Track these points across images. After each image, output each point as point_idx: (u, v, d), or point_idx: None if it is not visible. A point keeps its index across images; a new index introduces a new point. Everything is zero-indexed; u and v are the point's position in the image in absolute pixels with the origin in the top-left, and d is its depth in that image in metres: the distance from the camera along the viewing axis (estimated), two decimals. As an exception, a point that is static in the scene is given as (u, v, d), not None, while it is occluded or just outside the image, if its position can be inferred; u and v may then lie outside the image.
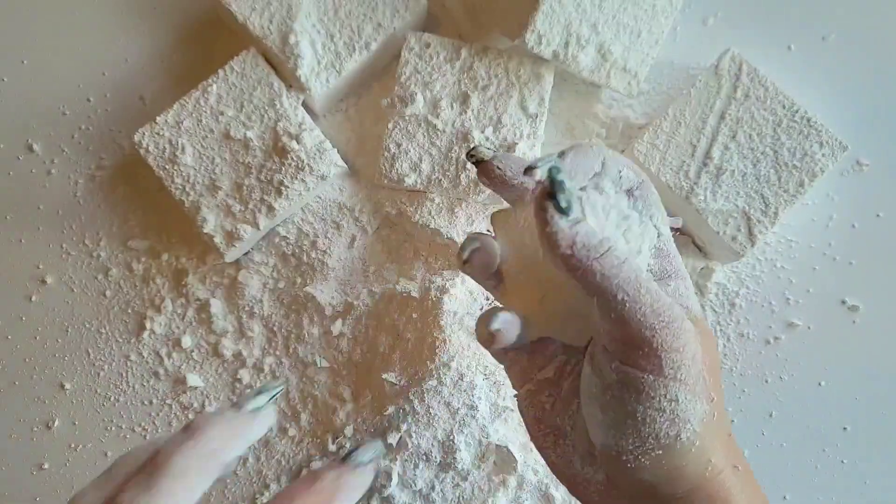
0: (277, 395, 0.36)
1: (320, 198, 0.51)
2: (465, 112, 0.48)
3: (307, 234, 0.51)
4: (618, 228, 0.32)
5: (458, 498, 0.48)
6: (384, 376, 0.48)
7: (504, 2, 0.49)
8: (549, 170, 0.28)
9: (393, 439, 0.48)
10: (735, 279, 0.52)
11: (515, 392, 0.35)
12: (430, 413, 0.47)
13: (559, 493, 0.48)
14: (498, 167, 0.34)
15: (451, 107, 0.48)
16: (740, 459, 0.33)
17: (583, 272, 0.28)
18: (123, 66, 0.55)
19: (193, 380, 0.50)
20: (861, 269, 0.52)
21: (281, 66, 0.50)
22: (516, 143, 0.47)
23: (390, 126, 0.48)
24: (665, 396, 0.29)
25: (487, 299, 0.49)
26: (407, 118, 0.48)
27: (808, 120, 0.48)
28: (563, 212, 0.28)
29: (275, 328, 0.51)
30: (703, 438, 0.30)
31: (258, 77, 0.49)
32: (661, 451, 0.30)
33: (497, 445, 0.48)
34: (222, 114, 0.49)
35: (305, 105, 0.50)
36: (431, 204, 0.49)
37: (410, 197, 0.50)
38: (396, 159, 0.48)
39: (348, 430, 0.50)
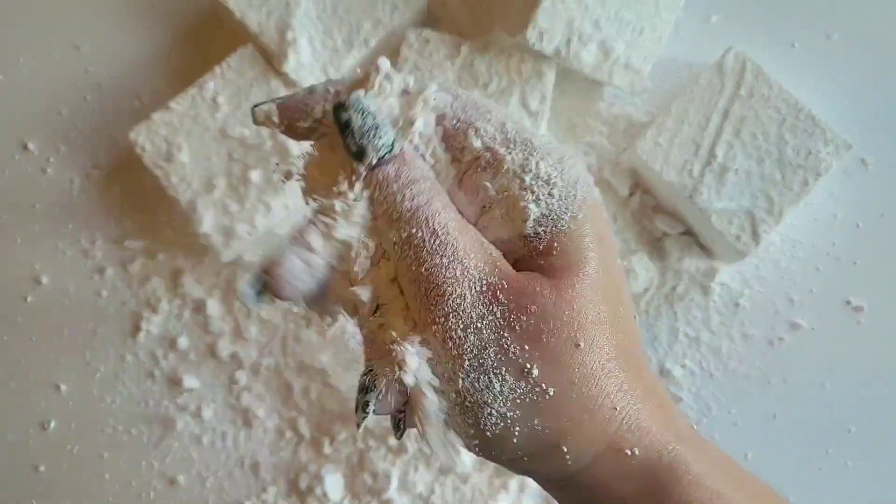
0: None
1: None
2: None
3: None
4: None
5: (459, 501, 0.48)
6: None
7: (505, -2, 0.49)
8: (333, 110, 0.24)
9: (392, 442, 0.47)
10: (739, 279, 0.51)
11: None
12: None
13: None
14: (284, 104, 0.26)
15: (451, 105, 0.48)
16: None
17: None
18: (120, 64, 0.55)
19: (189, 381, 0.50)
20: (865, 269, 0.52)
21: (279, 62, 0.49)
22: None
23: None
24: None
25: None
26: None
27: (813, 118, 0.48)
28: (357, 157, 0.24)
29: (272, 329, 0.51)
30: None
31: (255, 74, 0.49)
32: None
33: None
34: (219, 111, 0.49)
35: (304, 103, 0.50)
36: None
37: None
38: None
39: (346, 433, 0.49)
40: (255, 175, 0.48)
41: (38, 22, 0.55)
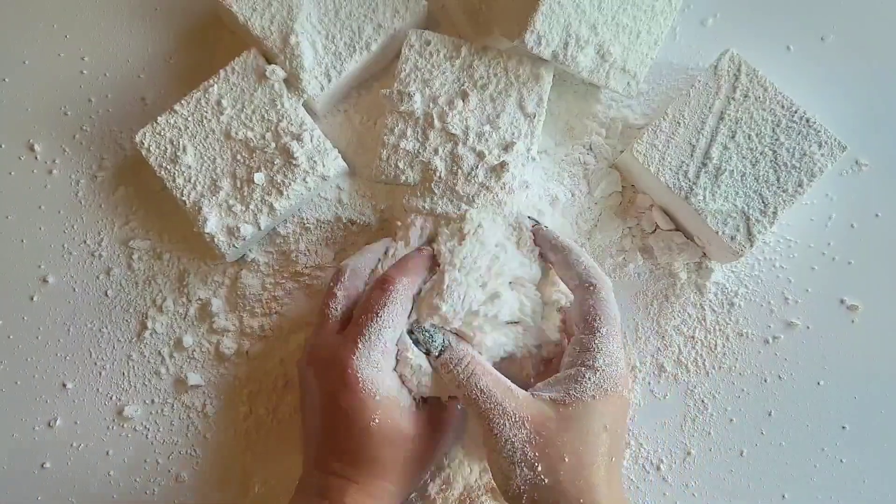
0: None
1: (321, 197, 0.51)
2: (464, 110, 0.48)
3: (307, 233, 0.51)
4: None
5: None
6: None
7: (504, 3, 0.49)
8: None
9: None
10: (734, 279, 0.52)
11: None
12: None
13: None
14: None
15: (450, 104, 0.48)
16: None
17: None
18: (125, 66, 0.55)
19: (194, 379, 0.51)
20: (860, 268, 0.52)
21: (282, 66, 0.50)
22: (514, 143, 0.48)
23: (389, 122, 0.49)
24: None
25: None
26: (405, 114, 0.48)
27: (807, 120, 0.48)
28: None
29: (276, 327, 0.51)
30: None
31: (259, 77, 0.50)
32: None
33: None
34: (223, 114, 0.49)
35: (306, 105, 0.50)
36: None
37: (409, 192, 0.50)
38: (394, 155, 0.48)
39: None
40: (258, 177, 0.49)
41: (43, 25, 0.56)
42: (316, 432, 0.44)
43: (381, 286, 0.44)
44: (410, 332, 0.44)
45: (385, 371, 0.43)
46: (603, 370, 0.42)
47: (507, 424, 0.40)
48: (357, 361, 0.42)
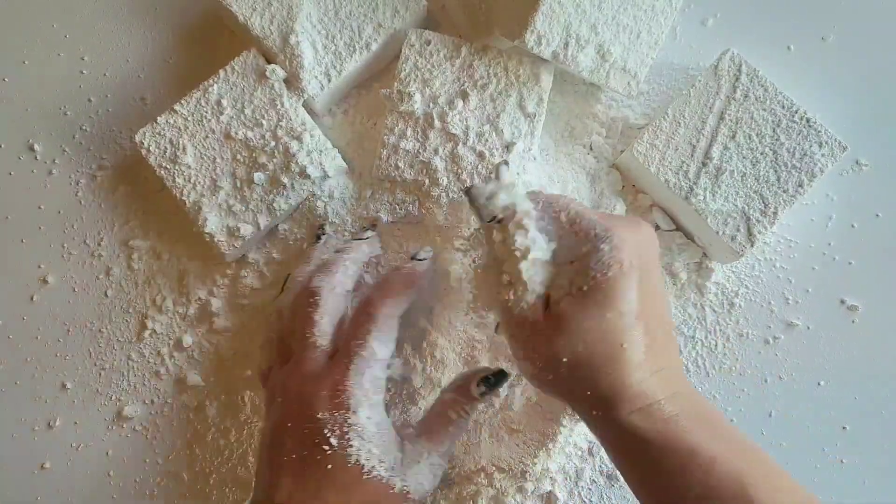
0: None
1: (321, 197, 0.51)
2: (464, 110, 0.48)
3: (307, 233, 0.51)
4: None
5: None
6: None
7: (504, 2, 0.49)
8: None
9: None
10: (734, 279, 0.52)
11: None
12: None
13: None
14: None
15: (450, 104, 0.48)
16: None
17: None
18: (124, 66, 0.55)
19: (194, 379, 0.51)
20: (860, 269, 0.52)
21: (282, 66, 0.50)
22: (514, 143, 0.48)
23: (389, 122, 0.49)
24: None
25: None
26: (405, 114, 0.48)
27: (808, 120, 0.48)
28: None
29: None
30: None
31: (259, 77, 0.50)
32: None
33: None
34: (223, 114, 0.49)
35: (306, 105, 0.50)
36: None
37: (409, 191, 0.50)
38: (394, 155, 0.48)
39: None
40: (258, 177, 0.49)
41: (42, 24, 0.56)
42: (284, 470, 0.41)
43: (365, 311, 0.43)
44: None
45: (376, 403, 0.42)
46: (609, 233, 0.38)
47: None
48: (352, 390, 0.41)
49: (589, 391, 0.37)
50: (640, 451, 0.37)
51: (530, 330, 0.38)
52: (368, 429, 0.40)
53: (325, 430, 0.40)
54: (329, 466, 0.39)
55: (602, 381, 0.37)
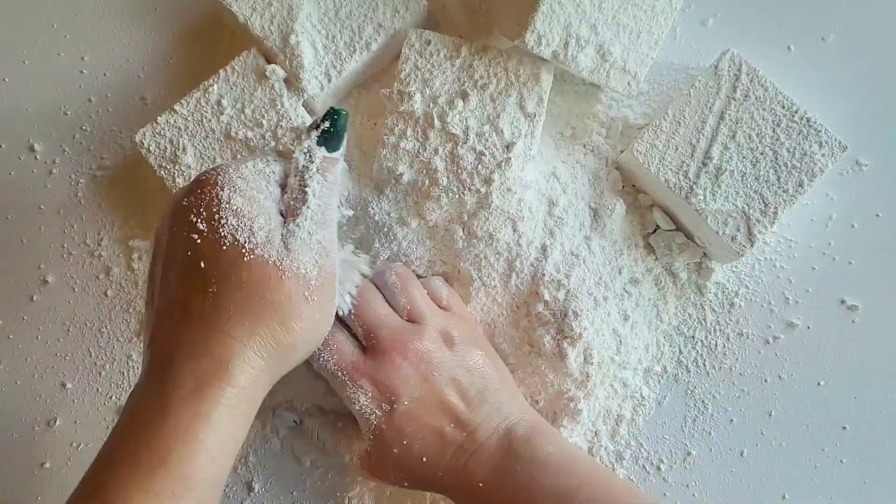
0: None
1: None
2: (464, 110, 0.48)
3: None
4: None
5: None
6: None
7: (504, 2, 0.49)
8: None
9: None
10: (734, 279, 0.52)
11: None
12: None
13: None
14: None
15: (450, 104, 0.48)
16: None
17: None
18: (125, 66, 0.55)
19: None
20: (860, 268, 0.52)
21: (282, 66, 0.50)
22: (514, 143, 0.48)
23: (389, 122, 0.49)
24: None
25: None
26: (405, 114, 0.48)
27: (808, 120, 0.48)
28: None
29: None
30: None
31: (259, 77, 0.50)
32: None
33: None
34: (223, 114, 0.49)
35: (306, 105, 0.50)
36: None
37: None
38: (394, 155, 0.48)
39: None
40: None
41: (42, 24, 0.56)
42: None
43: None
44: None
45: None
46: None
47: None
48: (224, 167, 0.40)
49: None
50: None
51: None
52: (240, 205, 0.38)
53: (196, 220, 0.37)
54: (202, 264, 0.37)
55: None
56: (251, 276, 0.37)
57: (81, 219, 0.53)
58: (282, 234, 0.39)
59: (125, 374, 0.51)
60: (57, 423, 0.51)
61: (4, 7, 0.56)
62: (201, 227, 0.37)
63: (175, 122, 0.49)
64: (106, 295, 0.52)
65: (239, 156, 0.49)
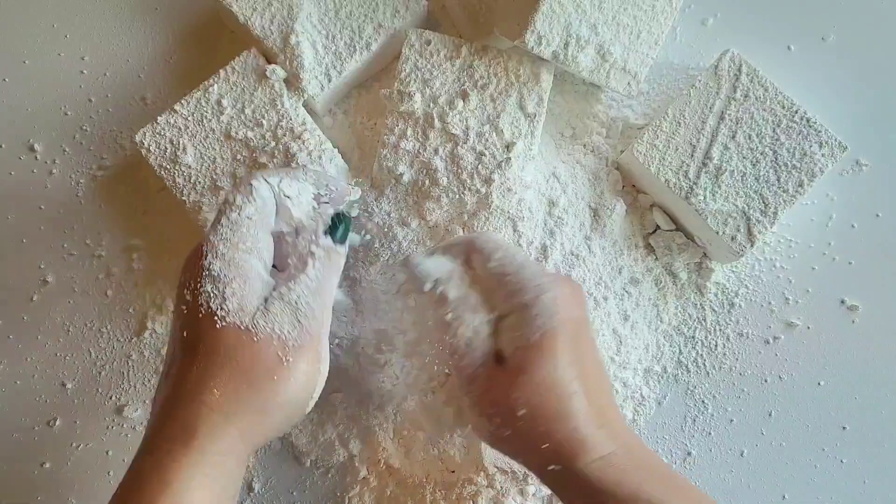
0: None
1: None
2: (464, 110, 0.48)
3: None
4: None
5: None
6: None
7: (504, 3, 0.49)
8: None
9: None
10: (734, 279, 0.52)
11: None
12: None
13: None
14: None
15: (450, 104, 0.48)
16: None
17: None
18: (125, 66, 0.55)
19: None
20: (860, 268, 0.52)
21: (282, 66, 0.50)
22: (514, 143, 0.48)
23: (389, 122, 0.49)
24: None
25: None
26: (405, 114, 0.48)
27: (808, 120, 0.48)
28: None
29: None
30: None
31: (259, 77, 0.50)
32: None
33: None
34: (223, 114, 0.49)
35: (306, 105, 0.50)
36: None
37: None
38: (394, 155, 0.48)
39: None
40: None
41: (43, 25, 0.56)
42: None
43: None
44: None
45: None
46: (537, 302, 0.38)
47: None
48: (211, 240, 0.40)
49: (545, 444, 0.37)
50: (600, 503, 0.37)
51: (485, 385, 0.38)
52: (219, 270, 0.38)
53: (185, 291, 0.38)
54: (185, 333, 0.38)
55: (557, 432, 0.37)
56: (222, 342, 0.37)
57: (81, 219, 0.53)
58: (267, 296, 0.38)
59: (125, 374, 0.51)
60: (57, 423, 0.51)
61: (4, 7, 0.56)
62: (188, 297, 0.38)
63: (175, 122, 0.49)
64: (106, 295, 0.52)
65: (239, 156, 0.49)
